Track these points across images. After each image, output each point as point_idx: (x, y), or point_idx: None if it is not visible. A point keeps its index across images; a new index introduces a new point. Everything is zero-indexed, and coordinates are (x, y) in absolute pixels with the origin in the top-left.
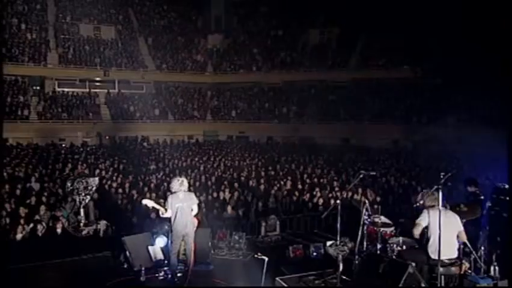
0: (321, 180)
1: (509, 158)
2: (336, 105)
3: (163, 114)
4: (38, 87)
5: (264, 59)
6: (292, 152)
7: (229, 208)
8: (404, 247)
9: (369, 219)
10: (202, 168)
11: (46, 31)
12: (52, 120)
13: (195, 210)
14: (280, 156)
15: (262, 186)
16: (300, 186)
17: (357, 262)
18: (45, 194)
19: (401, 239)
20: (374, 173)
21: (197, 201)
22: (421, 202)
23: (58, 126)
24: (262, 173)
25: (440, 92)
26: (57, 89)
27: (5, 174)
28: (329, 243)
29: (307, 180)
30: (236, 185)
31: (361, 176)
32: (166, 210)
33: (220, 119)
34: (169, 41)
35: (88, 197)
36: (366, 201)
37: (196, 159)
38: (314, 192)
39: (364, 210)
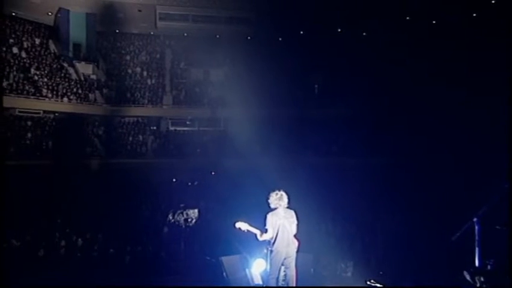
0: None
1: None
2: None
3: (265, 150)
4: (154, 127)
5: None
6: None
7: (332, 240)
8: None
9: None
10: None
11: (163, 76)
12: (165, 157)
13: (294, 229)
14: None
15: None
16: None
17: None
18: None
19: None
20: None
21: (296, 221)
22: None
23: (170, 162)
24: (366, 205)
25: None
26: (170, 128)
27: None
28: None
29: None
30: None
31: (506, 186)
32: (266, 231)
33: (320, 154)
34: (272, 79)
35: (188, 229)
36: None
37: None
38: None
39: None
